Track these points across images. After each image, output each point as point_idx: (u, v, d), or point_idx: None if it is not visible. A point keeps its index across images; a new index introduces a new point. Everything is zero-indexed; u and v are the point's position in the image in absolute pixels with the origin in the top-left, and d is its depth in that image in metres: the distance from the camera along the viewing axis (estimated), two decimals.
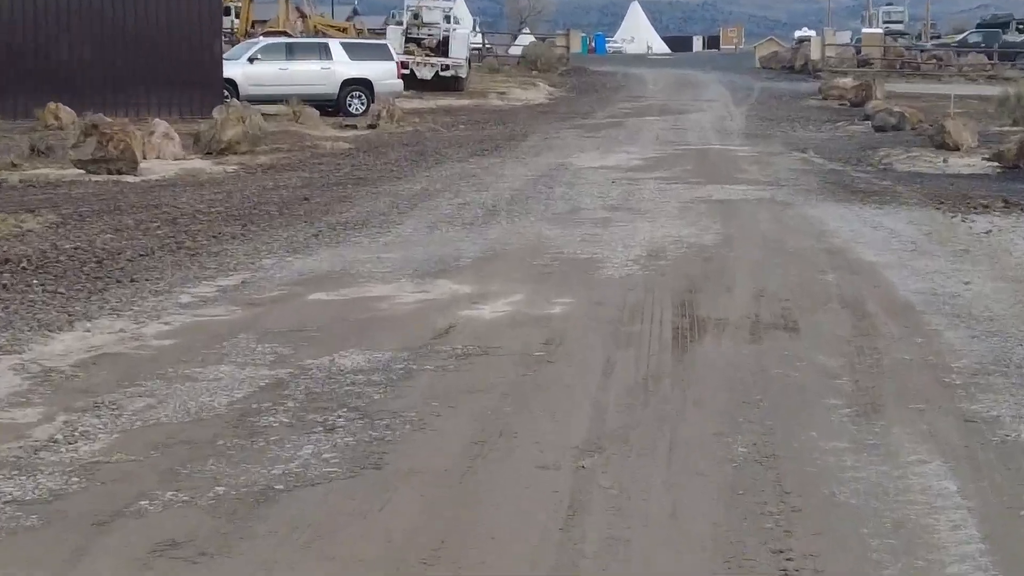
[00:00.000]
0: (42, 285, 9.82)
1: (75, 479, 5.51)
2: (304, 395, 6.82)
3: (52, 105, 24.80)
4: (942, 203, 14.98)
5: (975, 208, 14.53)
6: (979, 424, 6.28)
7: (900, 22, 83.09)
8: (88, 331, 8.40)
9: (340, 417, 6.39)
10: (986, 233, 12.69)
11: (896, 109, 29.01)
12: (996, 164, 19.75)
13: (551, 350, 7.82)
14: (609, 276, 10.35)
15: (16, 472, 5.59)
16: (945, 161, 20.56)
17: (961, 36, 64.25)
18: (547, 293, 9.63)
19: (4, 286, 9.78)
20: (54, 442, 6.01)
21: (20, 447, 5.94)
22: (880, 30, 67.95)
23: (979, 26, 69.85)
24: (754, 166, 20.02)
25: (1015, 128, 26.01)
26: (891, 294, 9.63)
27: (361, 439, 6.03)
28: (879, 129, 27.64)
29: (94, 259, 10.98)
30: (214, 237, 12.41)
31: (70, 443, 6.00)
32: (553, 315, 8.90)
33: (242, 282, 10.16)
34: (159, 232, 12.63)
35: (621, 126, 29.26)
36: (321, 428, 6.21)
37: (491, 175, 18.32)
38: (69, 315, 8.80)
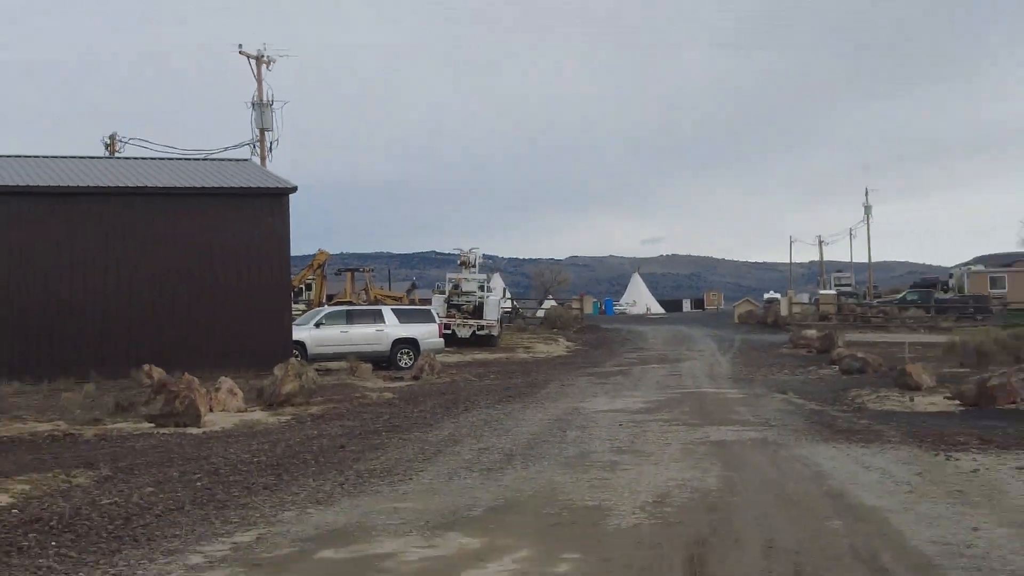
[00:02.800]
0: (57, 548, 7.90)
1: None
2: None
3: (146, 367, 23.36)
4: (922, 441, 12.94)
5: (954, 445, 12.49)
6: None
7: (849, 285, 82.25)
8: None
9: None
10: (973, 472, 10.60)
11: (859, 355, 27.12)
12: (958, 402, 17.75)
13: None
14: (617, 527, 8.32)
15: None
16: (912, 400, 18.55)
17: (900, 295, 62.86)
18: (555, 548, 7.62)
19: (20, 549, 7.86)
20: None
21: None
22: (834, 291, 66.95)
23: (914, 286, 68.88)
24: (743, 407, 18.06)
25: (962, 370, 24.04)
26: (903, 544, 7.53)
27: None
28: (846, 372, 25.75)
29: (123, 516, 9.08)
30: (247, 488, 10.52)
31: None
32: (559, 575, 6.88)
33: (257, 538, 8.22)
34: (198, 484, 10.76)
35: (627, 374, 27.46)
36: None
37: (512, 420, 16.45)
38: None
